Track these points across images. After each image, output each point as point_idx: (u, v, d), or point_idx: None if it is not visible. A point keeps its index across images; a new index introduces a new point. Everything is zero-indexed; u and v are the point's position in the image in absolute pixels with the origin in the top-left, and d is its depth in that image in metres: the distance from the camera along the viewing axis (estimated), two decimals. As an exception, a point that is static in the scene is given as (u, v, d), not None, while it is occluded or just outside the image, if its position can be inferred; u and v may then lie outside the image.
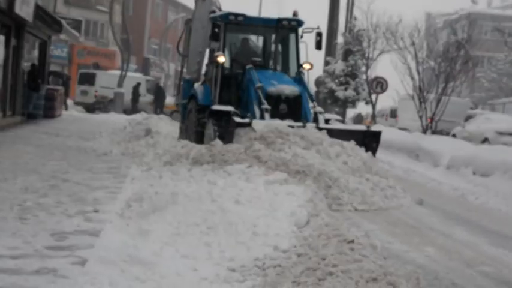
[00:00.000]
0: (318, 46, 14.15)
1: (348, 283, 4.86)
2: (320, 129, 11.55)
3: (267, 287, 5.09)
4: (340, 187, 9.24)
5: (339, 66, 26.58)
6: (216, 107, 12.85)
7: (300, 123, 11.67)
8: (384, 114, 38.19)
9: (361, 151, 11.18)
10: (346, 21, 29.44)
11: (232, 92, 13.53)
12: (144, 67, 51.14)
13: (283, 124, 11.43)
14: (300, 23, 13.89)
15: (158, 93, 33.67)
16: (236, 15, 13.37)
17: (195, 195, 6.98)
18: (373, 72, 28.67)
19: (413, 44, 19.68)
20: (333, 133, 11.49)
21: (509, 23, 55.55)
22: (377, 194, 9.50)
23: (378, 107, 30.30)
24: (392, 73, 21.78)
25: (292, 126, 11.37)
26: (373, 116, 29.19)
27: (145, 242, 6.02)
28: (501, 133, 22.23)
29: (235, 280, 5.32)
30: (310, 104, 12.80)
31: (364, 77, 27.36)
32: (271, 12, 13.98)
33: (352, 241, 5.70)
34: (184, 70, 16.65)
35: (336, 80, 26.50)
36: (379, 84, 26.26)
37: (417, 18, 21.67)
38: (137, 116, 24.06)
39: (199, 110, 13.62)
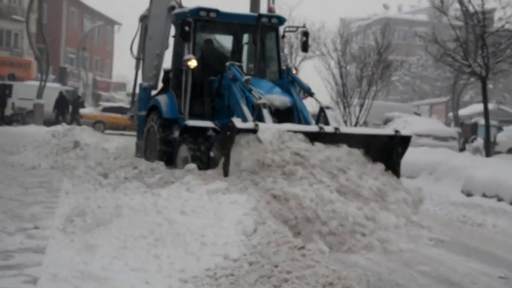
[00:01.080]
0: (304, 47, 12.32)
1: (304, 289, 4.98)
2: (339, 135, 9.18)
3: (222, 296, 5.14)
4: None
5: (261, 73, 26.72)
6: (192, 122, 10.84)
7: (316, 128, 9.35)
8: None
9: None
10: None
11: (205, 102, 11.55)
12: (61, 77, 50.06)
13: (298, 132, 8.92)
14: (281, 20, 12.24)
15: (61, 101, 32.86)
16: (208, 10, 11.57)
17: (139, 207, 6.94)
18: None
19: (336, 49, 20.16)
20: (354, 139, 9.41)
21: (420, 28, 57.50)
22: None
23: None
24: (315, 79, 22.15)
25: (310, 133, 9.01)
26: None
27: (93, 257, 5.95)
28: (419, 135, 23.00)
29: (188, 291, 5.35)
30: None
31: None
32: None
33: (303, 247, 5.82)
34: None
35: (259, 87, 26.63)
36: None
37: (338, 24, 22.16)
38: (58, 128, 23.57)
39: (164, 125, 11.91)
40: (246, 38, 12.59)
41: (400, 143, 9.75)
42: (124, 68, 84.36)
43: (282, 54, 12.38)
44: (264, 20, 11.82)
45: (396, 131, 9.77)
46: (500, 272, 6.82)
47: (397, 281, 6.22)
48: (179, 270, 5.77)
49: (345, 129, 9.64)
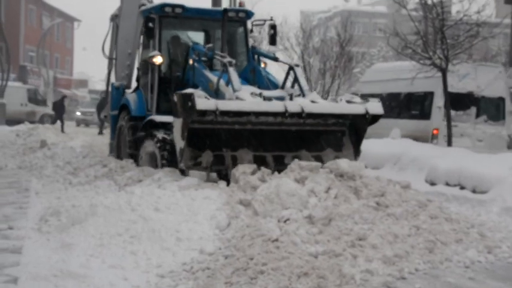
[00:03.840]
0: (272, 41, 12.12)
1: (280, 279, 5.14)
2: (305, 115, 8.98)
3: (200, 289, 5.28)
4: None
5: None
6: (157, 117, 10.62)
7: (281, 107, 8.87)
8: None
9: None
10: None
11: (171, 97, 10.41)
12: (21, 75, 49.45)
13: (262, 113, 8.83)
14: (249, 14, 12.06)
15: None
16: (173, 6, 11.41)
17: (114, 205, 7.02)
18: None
19: (299, 44, 20.36)
20: (320, 118, 9.47)
21: (380, 19, 58.23)
22: None
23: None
24: (279, 74, 22.33)
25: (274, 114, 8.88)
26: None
27: (71, 255, 6.05)
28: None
29: (166, 285, 5.46)
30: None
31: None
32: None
33: (277, 240, 5.99)
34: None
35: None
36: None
37: (300, 19, 22.21)
38: (22, 127, 23.35)
39: (133, 123, 11.66)
40: (214, 33, 12.35)
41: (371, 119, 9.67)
42: (85, 65, 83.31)
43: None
44: (231, 14, 11.60)
45: (367, 112, 9.45)
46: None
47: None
48: (156, 266, 5.89)
49: (310, 107, 9.06)
